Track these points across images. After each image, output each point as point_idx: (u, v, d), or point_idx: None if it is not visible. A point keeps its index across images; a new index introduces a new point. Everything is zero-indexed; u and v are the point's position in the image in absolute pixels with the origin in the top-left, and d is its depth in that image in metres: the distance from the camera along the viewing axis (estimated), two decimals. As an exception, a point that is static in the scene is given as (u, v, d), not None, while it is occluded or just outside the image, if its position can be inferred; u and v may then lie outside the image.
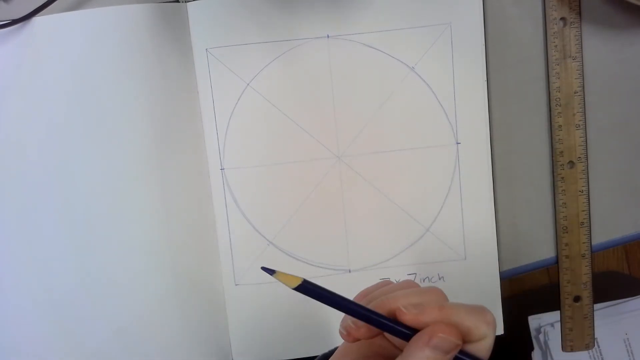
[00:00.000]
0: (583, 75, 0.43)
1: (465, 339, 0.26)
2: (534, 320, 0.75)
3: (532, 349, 0.75)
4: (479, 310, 0.26)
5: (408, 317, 0.26)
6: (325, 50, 0.43)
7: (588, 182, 0.44)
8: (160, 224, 0.43)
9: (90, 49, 0.41)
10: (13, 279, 0.43)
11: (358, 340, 0.27)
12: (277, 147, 0.44)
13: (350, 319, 0.27)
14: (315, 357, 0.46)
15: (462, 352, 0.26)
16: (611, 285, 0.83)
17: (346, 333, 0.27)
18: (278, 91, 0.43)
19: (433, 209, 0.44)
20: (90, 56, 0.41)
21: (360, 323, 0.27)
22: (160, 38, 0.41)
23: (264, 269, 0.27)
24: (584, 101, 0.43)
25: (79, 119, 0.41)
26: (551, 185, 0.45)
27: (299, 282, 0.26)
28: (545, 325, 0.74)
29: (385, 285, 0.29)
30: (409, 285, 0.29)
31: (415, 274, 0.45)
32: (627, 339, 0.73)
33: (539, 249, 0.45)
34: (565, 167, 0.44)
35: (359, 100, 0.43)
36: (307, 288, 0.27)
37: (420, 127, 0.44)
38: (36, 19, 0.41)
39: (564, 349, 0.47)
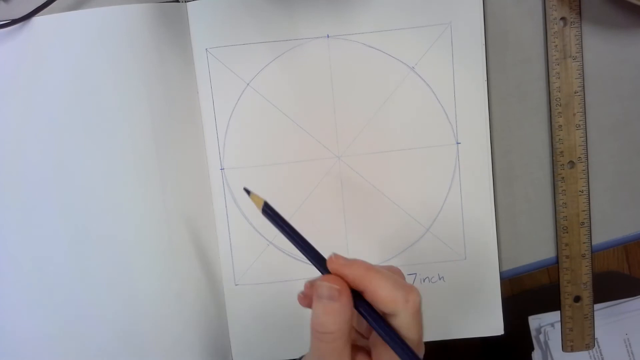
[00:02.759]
0: (583, 75, 0.43)
1: (380, 307, 0.28)
2: (534, 321, 0.75)
3: (532, 349, 0.75)
4: (402, 288, 0.28)
5: (332, 266, 0.29)
6: (325, 50, 0.43)
7: (588, 182, 0.44)
8: (160, 224, 0.43)
9: (90, 49, 0.41)
10: (13, 279, 0.43)
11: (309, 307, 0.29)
12: (277, 147, 0.44)
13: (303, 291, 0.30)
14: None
15: (381, 323, 0.28)
16: (611, 285, 0.83)
17: (302, 296, 0.30)
18: (278, 91, 0.43)
19: (433, 209, 0.44)
20: (90, 56, 0.41)
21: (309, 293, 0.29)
22: (160, 38, 0.41)
23: (245, 189, 0.31)
24: (584, 101, 0.43)
25: (79, 118, 0.41)
26: (551, 185, 0.45)
27: (262, 203, 0.30)
28: (546, 325, 0.74)
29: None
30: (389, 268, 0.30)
31: (415, 274, 0.45)
32: (628, 339, 0.73)
33: (539, 249, 0.45)
34: (565, 167, 0.44)
35: (359, 100, 0.43)
36: (267, 212, 0.30)
37: (420, 127, 0.44)
38: (36, 19, 0.41)
39: (564, 349, 0.47)
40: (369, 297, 0.28)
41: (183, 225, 0.43)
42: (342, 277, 0.29)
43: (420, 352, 0.28)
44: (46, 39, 0.41)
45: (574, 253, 0.45)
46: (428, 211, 0.44)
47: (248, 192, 0.31)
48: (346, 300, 0.28)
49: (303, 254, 0.30)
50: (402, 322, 0.28)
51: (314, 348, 0.29)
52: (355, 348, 0.30)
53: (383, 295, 0.28)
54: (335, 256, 0.29)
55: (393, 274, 0.29)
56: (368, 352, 0.30)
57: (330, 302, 0.28)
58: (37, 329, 0.43)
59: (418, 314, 0.28)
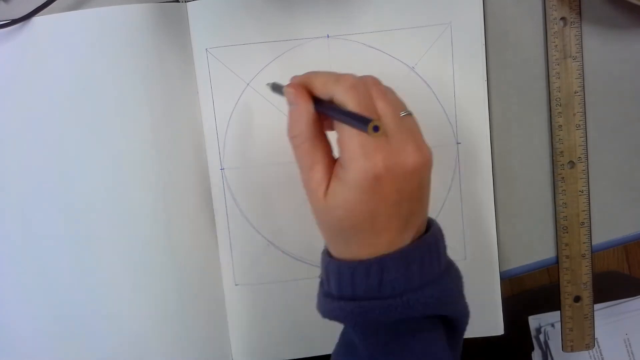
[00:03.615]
0: (583, 75, 0.43)
1: (319, 94, 0.31)
2: (534, 320, 0.75)
3: (532, 349, 0.75)
4: (335, 74, 0.31)
5: (288, 84, 0.33)
6: (325, 50, 0.43)
7: (588, 182, 0.44)
8: (160, 224, 0.43)
9: (90, 49, 0.41)
10: (13, 280, 0.43)
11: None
12: (277, 147, 0.44)
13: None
14: (314, 357, 0.46)
15: (328, 106, 0.30)
16: (611, 285, 0.83)
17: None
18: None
19: (433, 209, 0.44)
20: (90, 56, 0.41)
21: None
22: (160, 38, 0.41)
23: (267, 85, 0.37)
24: (584, 101, 0.43)
25: (79, 118, 0.41)
26: (551, 185, 0.45)
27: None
28: (546, 325, 0.74)
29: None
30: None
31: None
32: (628, 339, 0.73)
33: (539, 249, 0.45)
34: (565, 167, 0.44)
35: (359, 100, 0.43)
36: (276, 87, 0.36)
37: (420, 127, 0.43)
38: (36, 19, 0.41)
39: (564, 349, 0.47)
40: (313, 92, 0.31)
41: (183, 225, 0.43)
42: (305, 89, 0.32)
43: (396, 140, 0.30)
44: (46, 39, 0.41)
45: (574, 253, 0.44)
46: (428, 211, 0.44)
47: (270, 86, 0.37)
48: (303, 101, 0.31)
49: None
50: (339, 99, 0.29)
51: (295, 158, 0.32)
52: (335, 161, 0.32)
53: (317, 83, 0.31)
54: (292, 77, 0.33)
55: (352, 74, 0.31)
56: None
57: (292, 106, 0.32)
58: (37, 329, 0.43)
59: (352, 90, 0.29)
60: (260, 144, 0.44)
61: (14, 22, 0.40)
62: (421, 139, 0.31)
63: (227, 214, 0.44)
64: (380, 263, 0.30)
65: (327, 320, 0.45)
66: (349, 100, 0.29)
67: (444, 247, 0.33)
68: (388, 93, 0.31)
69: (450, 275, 0.32)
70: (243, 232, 0.44)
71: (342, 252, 0.31)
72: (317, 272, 0.45)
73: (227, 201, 0.44)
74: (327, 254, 0.33)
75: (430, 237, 0.32)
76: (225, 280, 0.45)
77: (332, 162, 0.31)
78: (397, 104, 0.31)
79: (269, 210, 0.44)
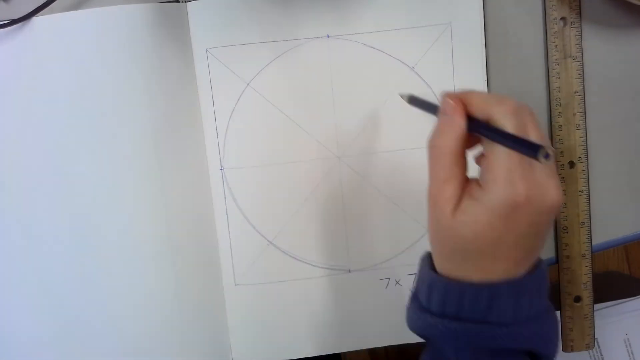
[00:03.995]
0: (583, 75, 0.43)
1: (478, 114, 0.30)
2: (534, 320, 0.75)
3: (532, 349, 0.75)
4: (496, 96, 0.31)
5: (440, 95, 0.32)
6: (325, 50, 0.43)
7: (588, 182, 0.44)
8: (160, 224, 0.43)
9: (90, 49, 0.41)
10: (13, 281, 0.43)
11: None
12: (277, 147, 0.44)
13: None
14: (314, 357, 0.46)
15: (483, 126, 0.30)
16: (611, 285, 0.83)
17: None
18: (278, 91, 0.43)
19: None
20: (90, 56, 0.41)
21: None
22: (160, 38, 0.41)
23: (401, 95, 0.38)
24: (584, 101, 0.43)
25: (79, 118, 0.41)
26: (551, 185, 0.44)
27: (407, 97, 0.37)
28: (546, 325, 0.74)
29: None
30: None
31: (415, 274, 0.45)
32: (628, 339, 0.73)
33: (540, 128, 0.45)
34: (565, 167, 0.44)
35: (359, 100, 0.43)
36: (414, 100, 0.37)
37: (420, 127, 0.43)
38: (36, 19, 0.41)
39: (564, 349, 0.47)
40: (467, 109, 0.31)
41: (183, 225, 0.43)
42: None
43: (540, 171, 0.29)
44: (46, 39, 0.41)
45: (574, 253, 0.44)
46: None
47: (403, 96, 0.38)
48: (459, 115, 0.30)
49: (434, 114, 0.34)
50: (498, 119, 0.29)
51: (429, 166, 0.31)
52: (468, 179, 0.31)
53: (476, 101, 0.30)
54: (443, 91, 0.32)
55: (512, 98, 0.31)
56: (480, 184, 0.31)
57: (444, 117, 0.31)
58: (37, 330, 0.43)
59: (515, 114, 0.29)
60: (260, 144, 0.44)
61: (14, 22, 0.40)
62: (558, 179, 0.31)
63: (227, 214, 0.44)
64: (492, 290, 0.30)
65: (327, 321, 0.45)
66: (508, 124, 0.29)
67: (549, 286, 0.33)
68: (539, 128, 0.31)
69: (550, 317, 0.32)
70: (243, 232, 0.44)
71: (452, 270, 0.31)
72: (318, 272, 0.45)
73: (227, 201, 0.44)
74: (430, 267, 0.32)
75: (541, 273, 0.31)
76: (225, 280, 0.45)
77: (466, 180, 0.31)
78: (545, 138, 0.31)
79: (269, 210, 0.44)
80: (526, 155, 0.28)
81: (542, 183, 0.28)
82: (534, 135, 0.29)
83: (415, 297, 0.34)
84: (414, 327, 0.33)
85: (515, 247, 0.29)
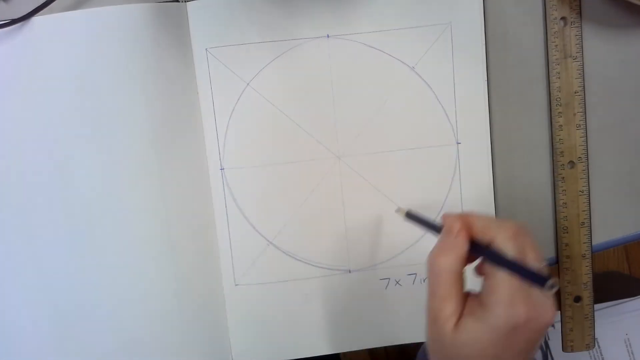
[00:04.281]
0: (583, 75, 0.43)
1: (479, 237, 0.32)
2: (534, 321, 0.75)
3: (532, 349, 0.75)
4: (497, 220, 0.33)
5: (442, 216, 0.34)
6: (325, 50, 0.43)
7: (588, 182, 0.44)
8: (160, 224, 0.43)
9: (89, 49, 0.41)
10: (13, 280, 0.43)
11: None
12: (277, 147, 0.44)
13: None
14: (314, 357, 0.46)
15: (483, 252, 0.32)
16: (611, 285, 0.83)
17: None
18: (278, 91, 0.43)
19: (433, 209, 0.44)
20: (90, 56, 0.41)
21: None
22: (160, 38, 0.41)
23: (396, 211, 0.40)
24: (585, 101, 0.43)
25: (79, 118, 0.41)
26: (551, 185, 0.45)
27: (404, 213, 0.39)
28: (546, 325, 0.74)
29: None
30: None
31: (415, 274, 0.45)
32: (628, 339, 0.73)
33: (539, 249, 0.45)
34: (565, 167, 0.44)
35: (359, 100, 0.43)
36: (411, 216, 0.38)
37: (420, 127, 0.44)
38: (36, 19, 0.41)
39: (564, 349, 0.47)
40: (470, 231, 0.32)
41: (183, 225, 0.43)
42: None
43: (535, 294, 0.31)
44: (46, 39, 0.41)
45: (574, 253, 0.44)
46: (428, 211, 0.44)
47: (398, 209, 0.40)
48: (462, 237, 0.32)
49: (432, 231, 0.36)
50: (499, 244, 0.31)
51: (429, 283, 0.32)
52: (467, 295, 0.33)
53: (477, 225, 0.32)
54: (446, 213, 0.34)
55: (512, 221, 0.33)
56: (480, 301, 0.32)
57: (448, 236, 0.32)
58: (36, 329, 0.43)
59: (516, 238, 0.31)
60: (260, 144, 0.44)
61: (13, 22, 0.40)
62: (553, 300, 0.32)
63: (227, 214, 0.44)
64: None
65: (327, 321, 0.46)
66: (510, 248, 0.30)
67: None
68: (536, 247, 0.32)
69: None
70: (243, 232, 0.44)
71: None
72: (318, 272, 0.45)
73: (227, 201, 0.44)
74: None
75: None
76: (225, 280, 0.45)
77: (464, 297, 0.32)
78: (541, 258, 0.32)
79: (269, 210, 0.44)
80: (532, 284, 0.29)
81: (540, 304, 0.30)
82: (533, 256, 0.31)
83: None
84: None
85: None
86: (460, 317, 0.31)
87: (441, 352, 0.32)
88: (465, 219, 0.33)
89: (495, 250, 0.31)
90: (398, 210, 0.39)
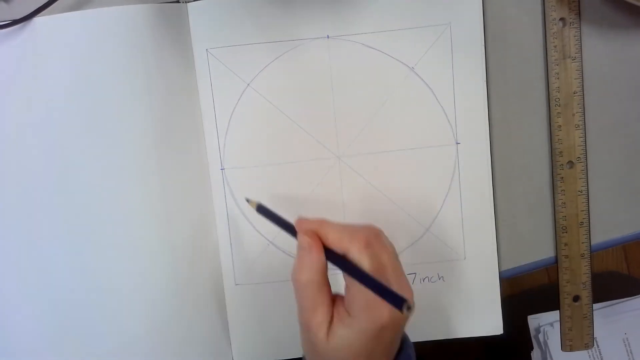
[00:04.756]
0: (582, 76, 0.43)
1: (334, 248, 0.33)
2: (533, 320, 0.75)
3: (531, 348, 0.75)
4: (350, 230, 0.33)
5: (299, 224, 0.34)
6: (325, 50, 0.43)
7: (587, 182, 0.44)
8: (161, 224, 0.43)
9: (91, 50, 0.41)
10: (13, 280, 0.43)
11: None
12: (277, 147, 0.44)
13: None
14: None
15: (340, 263, 0.32)
16: (610, 285, 0.83)
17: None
18: (278, 91, 0.43)
19: (433, 209, 0.44)
20: (91, 56, 0.41)
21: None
22: (161, 38, 0.42)
23: (246, 199, 0.39)
24: (584, 101, 0.43)
25: (80, 119, 0.42)
26: (550, 185, 0.45)
27: (255, 205, 0.38)
28: (545, 324, 0.74)
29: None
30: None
31: (415, 273, 0.45)
32: (627, 338, 0.73)
33: (539, 248, 0.46)
34: (564, 167, 0.44)
35: (359, 100, 0.43)
36: (262, 209, 0.38)
37: (419, 128, 0.44)
38: (37, 19, 0.41)
39: (563, 348, 0.47)
40: (324, 242, 0.33)
41: (183, 225, 0.43)
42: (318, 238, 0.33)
43: (394, 286, 0.32)
44: (47, 40, 0.41)
45: (573, 253, 0.45)
46: (428, 211, 0.44)
47: (247, 200, 0.39)
48: (316, 252, 0.33)
49: (285, 231, 0.36)
50: (354, 257, 0.32)
51: (295, 297, 0.34)
52: (334, 298, 0.34)
53: (331, 237, 0.33)
54: (299, 219, 0.35)
55: (362, 228, 0.34)
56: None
57: (303, 251, 0.33)
58: (37, 330, 0.43)
59: (368, 248, 0.32)
60: (261, 144, 0.44)
61: (14, 22, 0.40)
62: (407, 280, 0.34)
63: (227, 214, 0.45)
64: None
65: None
66: (364, 260, 0.31)
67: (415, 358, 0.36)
68: (388, 244, 0.34)
69: None
70: (243, 232, 0.45)
71: None
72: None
73: (227, 201, 0.44)
74: None
75: (405, 357, 0.35)
76: (225, 280, 0.45)
77: (332, 302, 0.33)
78: (394, 253, 0.34)
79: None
80: (389, 303, 0.30)
81: None
82: (387, 260, 0.32)
83: None
84: None
85: (384, 354, 0.33)
86: (330, 323, 0.32)
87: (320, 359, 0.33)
88: (319, 229, 0.33)
89: (348, 262, 0.32)
90: (249, 201, 0.39)
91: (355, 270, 0.31)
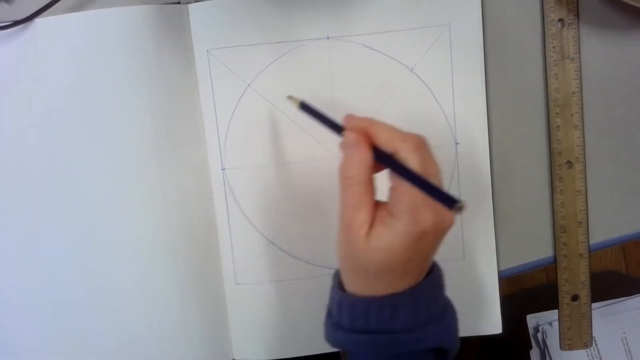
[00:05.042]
0: (581, 76, 0.43)
1: (383, 147, 0.32)
2: (532, 319, 0.76)
3: (530, 347, 0.76)
4: (401, 132, 0.33)
5: (347, 121, 0.34)
6: (326, 51, 0.43)
7: (586, 182, 0.44)
8: (161, 224, 0.43)
9: (92, 50, 0.41)
10: (12, 280, 0.43)
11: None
12: (278, 147, 0.44)
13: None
14: (314, 355, 0.46)
15: (387, 161, 0.32)
16: (609, 284, 0.84)
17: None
18: (278, 92, 0.43)
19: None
20: (92, 57, 0.41)
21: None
22: (162, 39, 0.42)
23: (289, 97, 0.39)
24: (582, 102, 0.43)
25: (81, 119, 0.42)
26: (549, 185, 0.45)
27: (298, 103, 0.38)
28: (544, 324, 0.75)
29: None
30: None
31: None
32: (625, 337, 0.73)
33: (537, 248, 0.46)
34: (563, 167, 0.44)
35: (358, 101, 0.43)
36: (306, 107, 0.38)
37: (419, 128, 0.43)
38: (38, 20, 0.41)
39: (562, 347, 0.47)
40: (375, 141, 0.33)
41: (184, 225, 0.43)
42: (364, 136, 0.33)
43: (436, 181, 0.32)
44: (48, 40, 0.41)
45: (571, 252, 0.45)
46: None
47: (290, 97, 0.39)
48: (364, 149, 0.32)
49: (331, 129, 0.36)
50: (404, 157, 0.31)
51: (340, 195, 0.33)
52: (377, 203, 0.33)
53: (381, 135, 0.32)
54: (348, 115, 0.34)
55: (412, 133, 0.33)
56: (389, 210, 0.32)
57: (350, 149, 0.33)
58: (38, 329, 0.44)
59: (418, 151, 0.31)
60: (261, 145, 0.44)
61: (16, 23, 0.40)
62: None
63: (228, 214, 0.45)
64: (394, 301, 0.32)
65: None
66: (414, 161, 0.31)
67: (445, 286, 0.35)
68: (435, 159, 0.33)
69: (449, 313, 0.35)
70: (244, 231, 0.45)
71: (362, 287, 0.33)
72: (318, 271, 0.45)
73: (228, 201, 0.45)
74: (338, 287, 0.35)
75: (435, 277, 0.34)
76: (226, 280, 0.45)
77: (376, 205, 0.33)
78: (438, 166, 0.33)
79: (270, 210, 0.45)
80: (441, 203, 0.30)
81: (442, 209, 0.30)
82: (432, 170, 0.32)
83: (328, 313, 0.35)
84: (330, 341, 0.34)
85: (420, 263, 0.33)
86: (371, 224, 0.32)
87: (354, 260, 0.32)
88: (369, 128, 0.33)
89: (398, 162, 0.31)
90: (292, 98, 0.39)
91: (406, 170, 0.31)
